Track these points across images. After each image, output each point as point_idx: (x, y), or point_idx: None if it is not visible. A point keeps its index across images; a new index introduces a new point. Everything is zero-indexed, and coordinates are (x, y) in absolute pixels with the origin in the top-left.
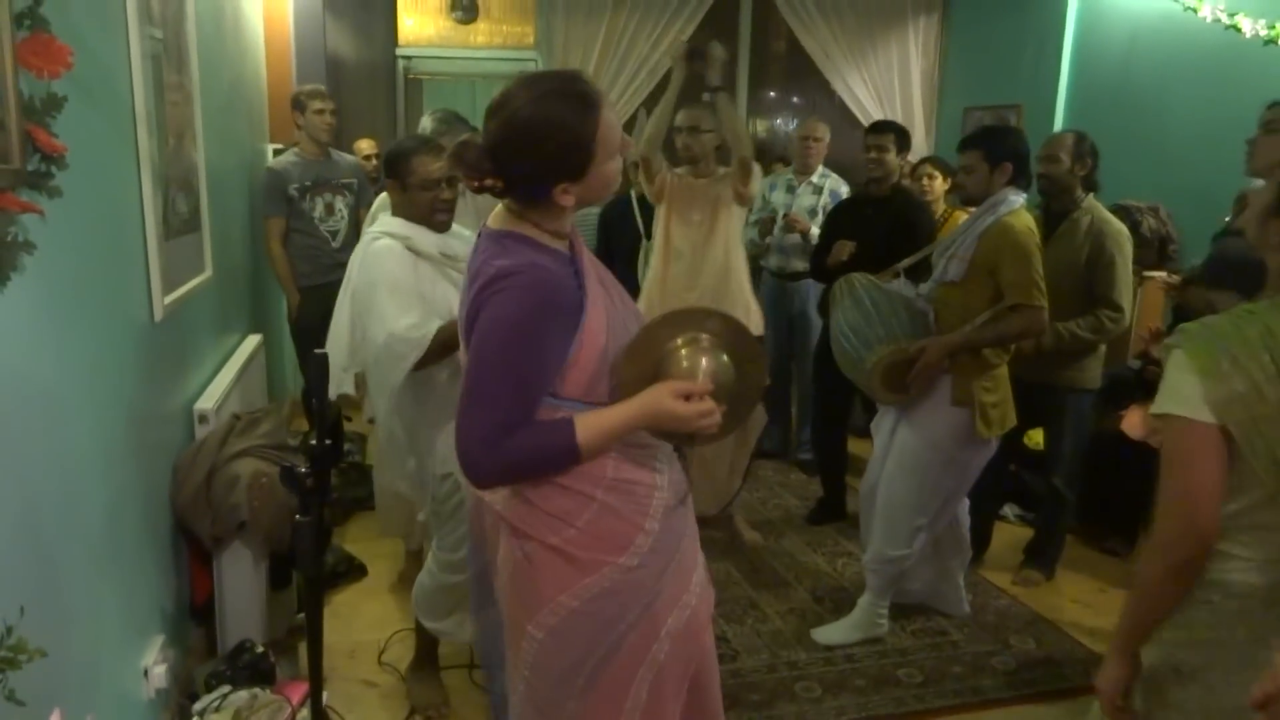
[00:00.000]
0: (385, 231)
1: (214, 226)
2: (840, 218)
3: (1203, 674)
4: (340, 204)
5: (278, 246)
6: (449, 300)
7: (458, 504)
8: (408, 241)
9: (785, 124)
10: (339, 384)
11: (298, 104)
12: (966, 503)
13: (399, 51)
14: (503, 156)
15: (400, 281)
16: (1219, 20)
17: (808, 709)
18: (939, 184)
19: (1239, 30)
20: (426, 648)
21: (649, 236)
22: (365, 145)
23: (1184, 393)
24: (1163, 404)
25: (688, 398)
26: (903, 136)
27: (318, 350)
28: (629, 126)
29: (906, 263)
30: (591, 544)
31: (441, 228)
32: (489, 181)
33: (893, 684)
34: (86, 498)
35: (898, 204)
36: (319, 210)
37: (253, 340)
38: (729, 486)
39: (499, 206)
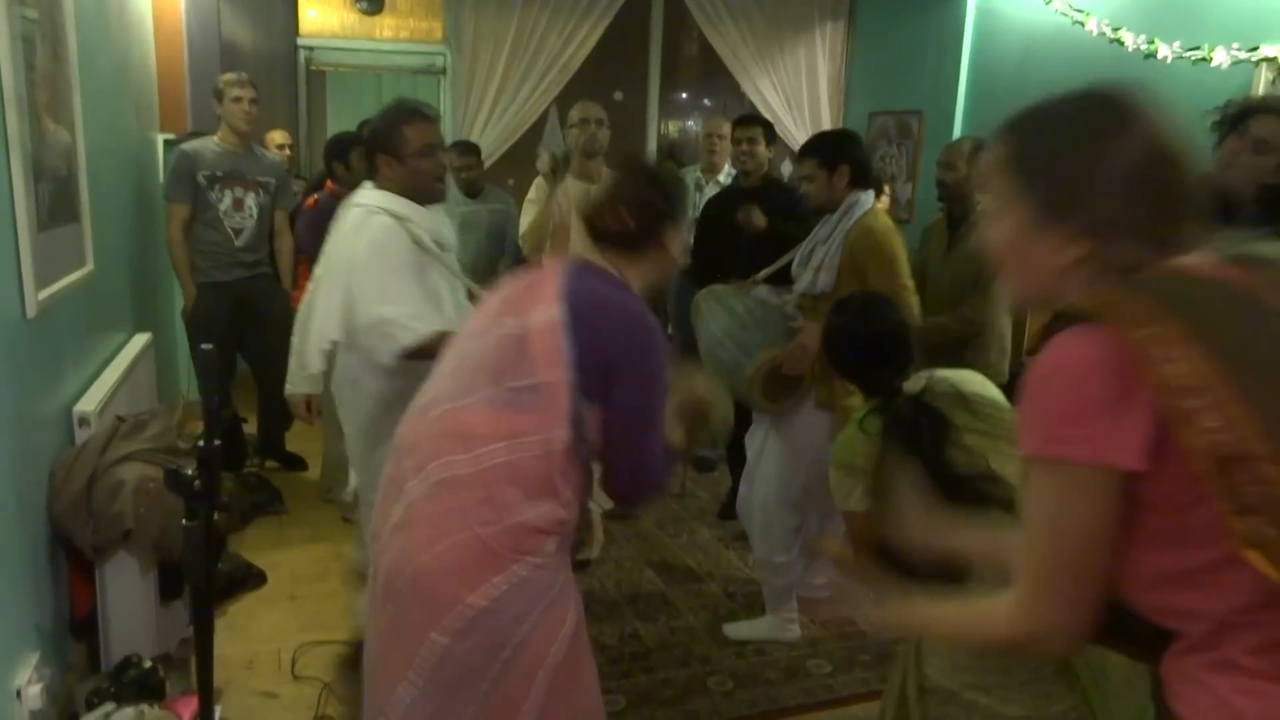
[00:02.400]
0: (384, 208)
1: (95, 218)
2: (715, 213)
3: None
4: (252, 201)
5: (178, 233)
6: (438, 289)
7: None
8: (408, 224)
9: (697, 125)
10: (310, 366)
11: (217, 92)
12: None
13: (300, 42)
14: (640, 197)
15: (400, 267)
16: (1104, 34)
17: (720, 703)
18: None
19: (1122, 44)
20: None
21: None
22: (278, 136)
23: (842, 494)
24: (842, 505)
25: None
26: (769, 129)
27: (205, 346)
28: (539, 124)
29: (767, 272)
30: (509, 541)
31: (441, 196)
32: (625, 216)
33: (803, 675)
34: None
35: (772, 192)
36: (226, 203)
37: (141, 339)
38: None
39: (575, 243)
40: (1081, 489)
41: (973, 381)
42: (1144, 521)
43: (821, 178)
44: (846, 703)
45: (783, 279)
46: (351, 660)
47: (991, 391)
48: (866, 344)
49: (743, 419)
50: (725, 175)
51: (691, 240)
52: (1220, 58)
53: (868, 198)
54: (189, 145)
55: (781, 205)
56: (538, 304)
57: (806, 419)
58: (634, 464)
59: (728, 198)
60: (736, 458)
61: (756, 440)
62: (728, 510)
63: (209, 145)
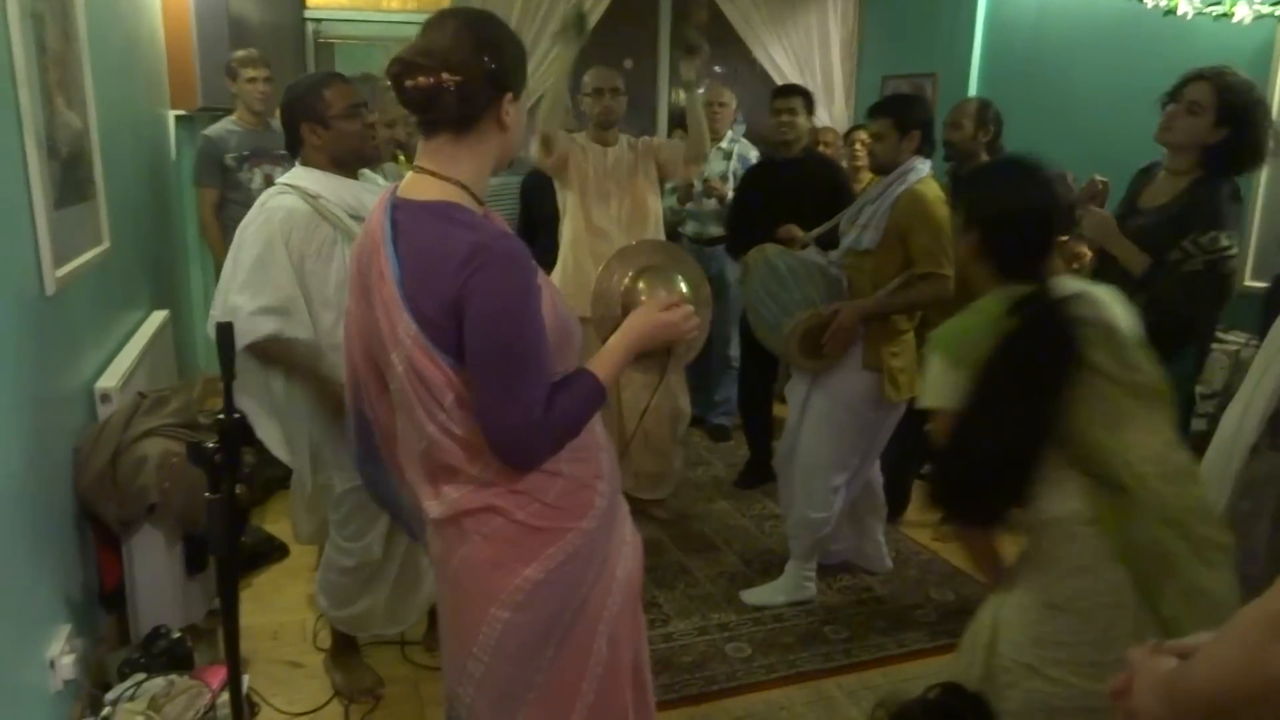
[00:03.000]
0: (294, 185)
1: (110, 196)
2: (754, 183)
3: (1074, 602)
4: (280, 176)
5: (210, 217)
6: (342, 273)
7: (359, 501)
8: (317, 202)
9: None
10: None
11: (230, 71)
12: (878, 463)
13: (307, 14)
14: (460, 46)
15: (279, 255)
16: None
17: (738, 668)
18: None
19: (1141, 1)
20: (343, 633)
21: None
22: None
23: (937, 385)
24: (924, 398)
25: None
26: (809, 99)
27: (220, 320)
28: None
29: (817, 232)
30: (556, 515)
31: (373, 156)
32: (445, 77)
33: (820, 640)
34: None
35: (812, 166)
36: (257, 181)
37: (159, 315)
38: (673, 466)
39: (412, 178)
40: None
41: (1118, 312)
42: None
43: (892, 139)
44: (863, 668)
45: (832, 241)
46: (338, 649)
47: (1136, 331)
48: (1027, 218)
49: (762, 384)
50: (728, 142)
51: (729, 214)
52: (1242, 13)
53: (924, 165)
54: (212, 130)
55: (822, 178)
56: (393, 318)
57: (852, 378)
58: (507, 403)
59: (767, 170)
60: (754, 426)
61: (798, 396)
62: (744, 479)
63: (230, 127)
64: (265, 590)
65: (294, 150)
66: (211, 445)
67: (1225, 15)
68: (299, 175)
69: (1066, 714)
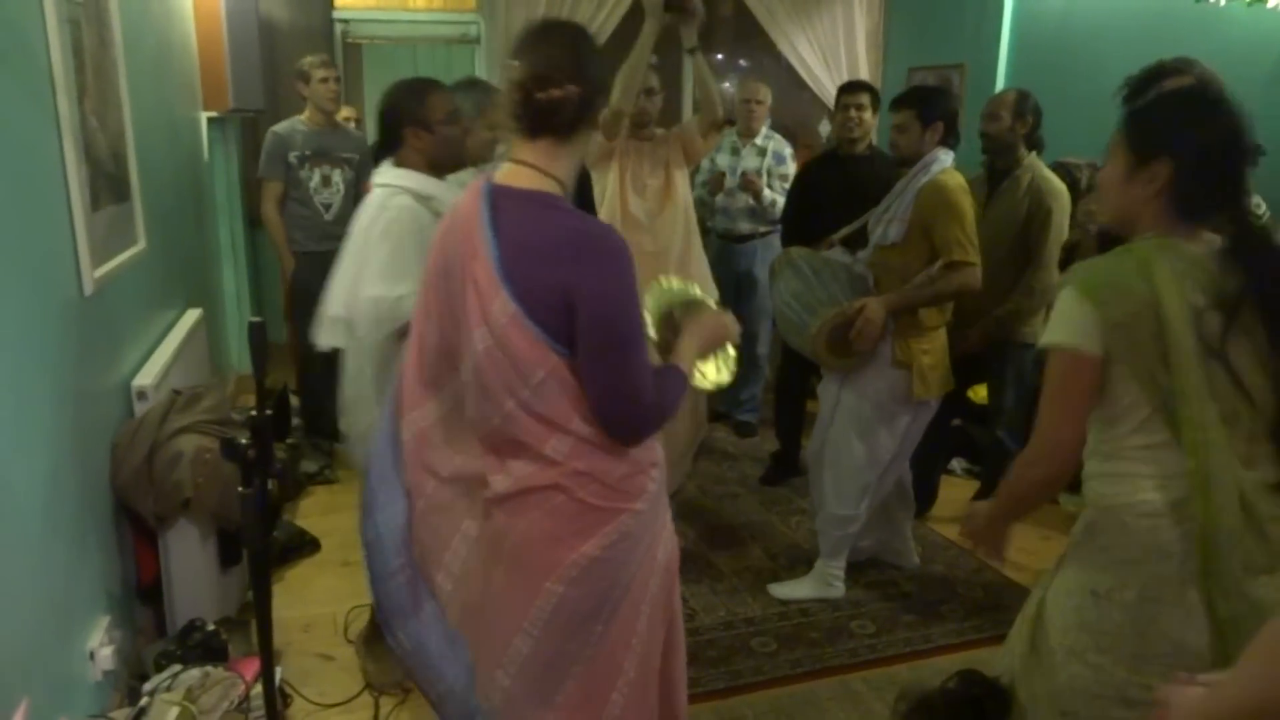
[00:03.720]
0: (406, 188)
1: (145, 197)
2: (815, 176)
3: (1118, 593)
4: (338, 177)
5: (273, 211)
6: None
7: None
8: (431, 203)
9: (733, 87)
10: (333, 336)
11: (302, 74)
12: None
13: (335, 15)
14: (581, 60)
15: (412, 249)
16: None
17: (764, 663)
18: None
19: None
20: (378, 623)
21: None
22: (345, 111)
23: (1071, 323)
24: (1051, 335)
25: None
26: (875, 96)
27: (253, 319)
28: None
29: (844, 232)
30: (614, 495)
31: (467, 159)
32: (571, 89)
33: (846, 636)
34: (16, 479)
35: (879, 163)
36: (315, 181)
37: (193, 314)
38: (684, 465)
39: (512, 168)
40: None
41: None
42: None
43: (915, 130)
44: (890, 663)
45: (860, 242)
46: (372, 637)
47: None
48: (1229, 151)
49: (800, 379)
50: (762, 139)
51: (787, 205)
52: None
53: (947, 156)
54: (280, 127)
55: (888, 176)
56: (487, 298)
57: (882, 376)
58: (621, 385)
59: (828, 164)
60: (786, 421)
61: (830, 395)
62: (770, 475)
63: (297, 126)
64: (297, 584)
65: (388, 151)
66: (244, 441)
67: (1260, 1)
68: (403, 177)
69: (1106, 701)
